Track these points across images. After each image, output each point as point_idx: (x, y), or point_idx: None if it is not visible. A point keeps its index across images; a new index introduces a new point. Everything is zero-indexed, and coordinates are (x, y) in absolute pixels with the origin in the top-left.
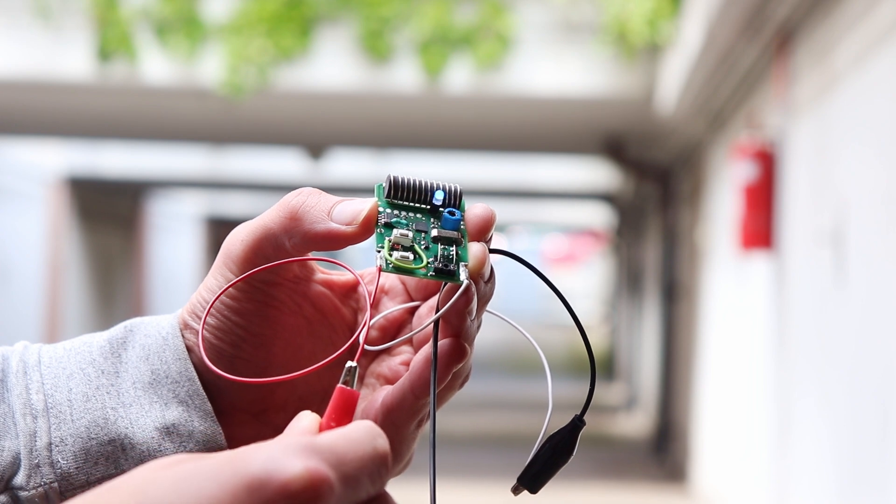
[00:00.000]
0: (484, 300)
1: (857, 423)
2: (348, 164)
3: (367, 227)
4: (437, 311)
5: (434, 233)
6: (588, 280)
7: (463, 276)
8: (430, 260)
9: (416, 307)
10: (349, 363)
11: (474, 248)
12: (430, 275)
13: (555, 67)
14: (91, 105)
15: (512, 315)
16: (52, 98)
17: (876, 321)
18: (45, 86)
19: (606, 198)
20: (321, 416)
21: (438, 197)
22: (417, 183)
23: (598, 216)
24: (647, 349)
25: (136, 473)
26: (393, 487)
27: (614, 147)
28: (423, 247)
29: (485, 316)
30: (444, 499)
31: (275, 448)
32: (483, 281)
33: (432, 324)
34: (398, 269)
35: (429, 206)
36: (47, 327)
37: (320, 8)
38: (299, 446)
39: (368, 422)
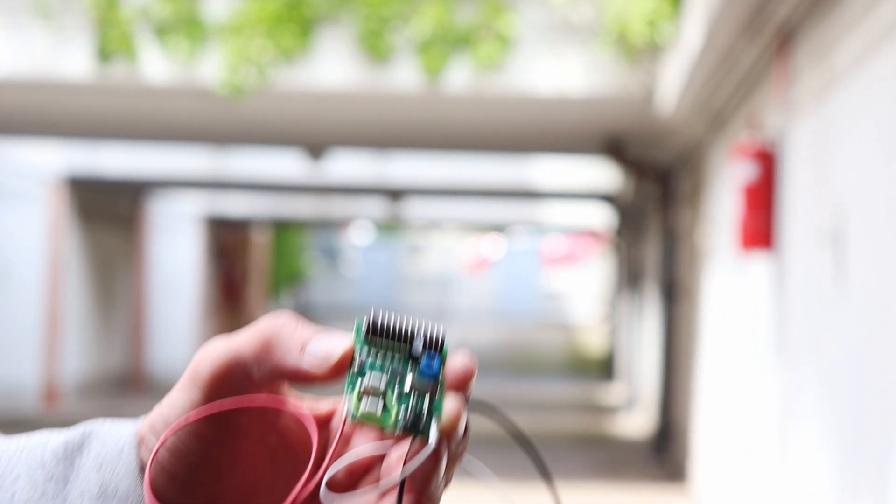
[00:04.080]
0: (454, 459)
1: (857, 423)
2: (348, 164)
3: (339, 370)
4: (405, 462)
5: (408, 383)
6: (588, 280)
7: (433, 435)
8: (401, 413)
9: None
10: None
11: (449, 405)
12: (398, 432)
13: (555, 68)
14: (91, 105)
15: (512, 315)
16: (52, 98)
17: (876, 320)
18: (45, 86)
19: (606, 198)
20: None
21: (417, 347)
22: (398, 326)
23: (599, 216)
24: (647, 349)
25: None
26: None
27: (614, 147)
28: (395, 395)
29: (486, 317)
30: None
31: None
32: (455, 440)
33: (398, 483)
34: (365, 419)
35: (409, 349)
36: (47, 327)
37: (320, 8)
38: None
39: None
